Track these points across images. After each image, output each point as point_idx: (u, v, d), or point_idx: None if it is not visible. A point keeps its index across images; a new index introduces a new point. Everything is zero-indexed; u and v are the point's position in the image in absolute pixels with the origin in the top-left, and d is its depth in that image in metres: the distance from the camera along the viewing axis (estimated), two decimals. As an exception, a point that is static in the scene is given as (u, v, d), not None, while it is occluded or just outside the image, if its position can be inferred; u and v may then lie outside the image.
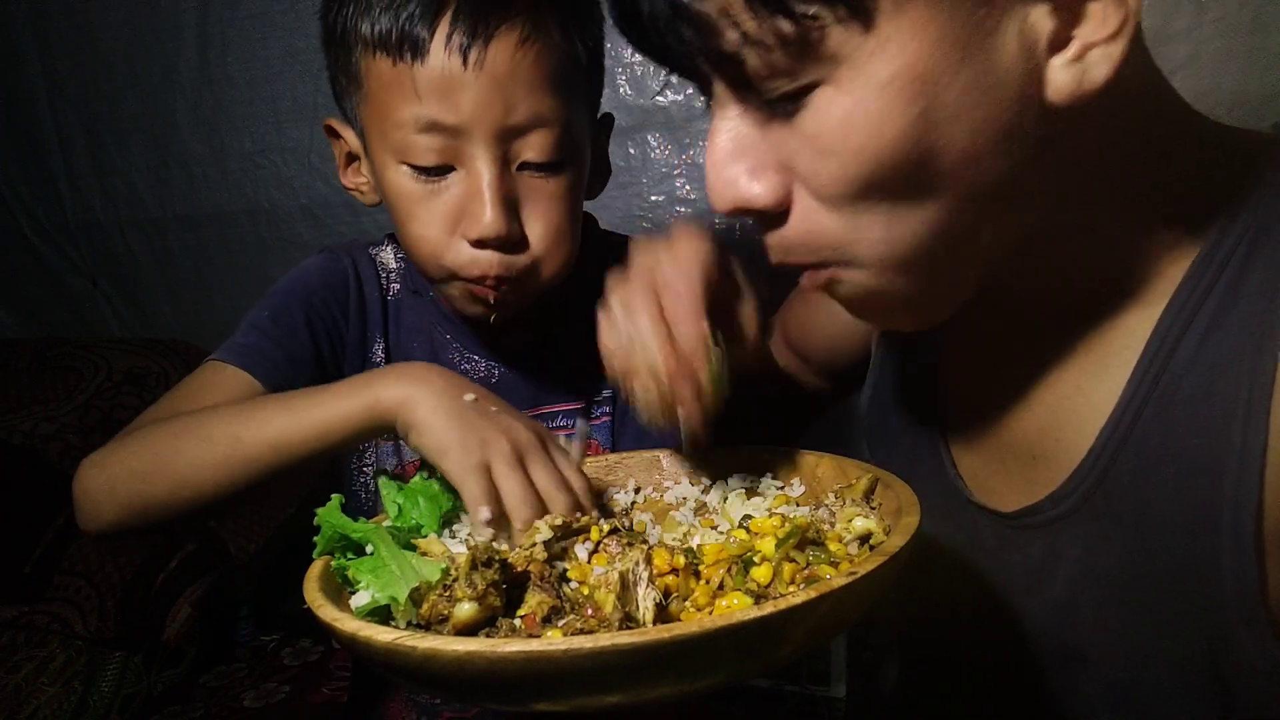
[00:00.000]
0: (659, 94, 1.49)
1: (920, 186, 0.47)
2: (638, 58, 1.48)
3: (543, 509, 0.58)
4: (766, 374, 0.91)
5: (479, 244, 0.73)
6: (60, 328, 2.13)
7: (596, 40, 0.83)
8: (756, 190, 0.50)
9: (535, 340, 0.89)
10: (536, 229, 0.76)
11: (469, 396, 0.62)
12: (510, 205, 0.73)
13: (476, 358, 0.88)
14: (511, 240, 0.74)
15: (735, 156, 0.51)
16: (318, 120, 1.77)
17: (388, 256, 0.91)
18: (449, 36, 0.69)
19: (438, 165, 0.73)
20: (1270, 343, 0.48)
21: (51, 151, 1.99)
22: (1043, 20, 0.44)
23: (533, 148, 0.73)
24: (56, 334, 2.09)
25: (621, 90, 1.50)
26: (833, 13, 0.43)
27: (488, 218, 0.72)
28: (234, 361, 0.77)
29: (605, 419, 0.89)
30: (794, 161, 0.49)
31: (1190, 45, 1.19)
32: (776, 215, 0.51)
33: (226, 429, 0.67)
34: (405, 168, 0.74)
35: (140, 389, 1.86)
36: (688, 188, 1.51)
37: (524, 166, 0.74)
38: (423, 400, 0.61)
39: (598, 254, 0.94)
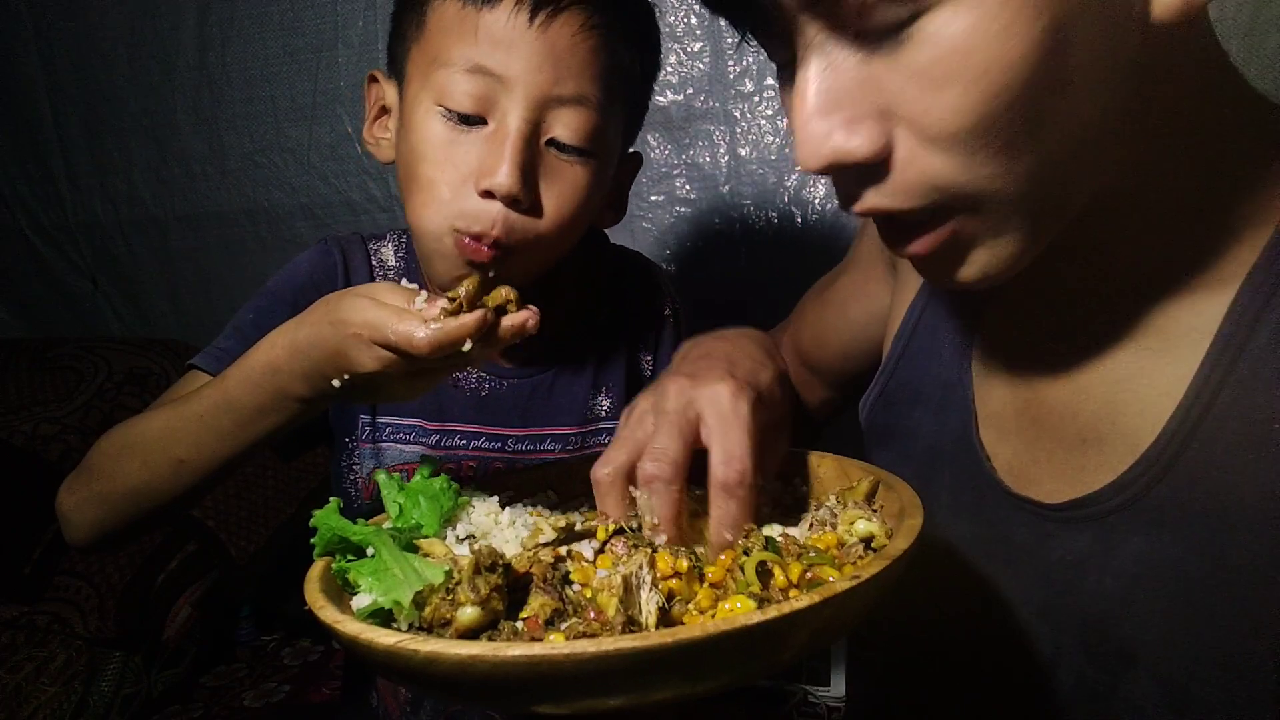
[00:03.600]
0: (659, 94, 1.49)
1: (1038, 113, 0.44)
2: (638, 58, 1.48)
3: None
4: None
5: (487, 195, 0.73)
6: (60, 328, 2.13)
7: (649, 68, 0.83)
8: (856, 142, 0.46)
9: (531, 356, 0.88)
10: (549, 203, 0.76)
11: (335, 383, 0.61)
12: (529, 171, 0.74)
13: (469, 368, 0.87)
14: (520, 204, 0.74)
15: (829, 108, 0.47)
16: (317, 120, 1.78)
17: (387, 252, 0.90)
18: None
19: (471, 114, 0.73)
20: None
21: (51, 151, 1.99)
22: None
23: (565, 125, 0.74)
24: (56, 334, 2.09)
25: (622, 91, 1.50)
26: None
27: (504, 171, 0.72)
28: (210, 369, 0.78)
29: (606, 440, 0.88)
30: (898, 102, 0.45)
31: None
32: (874, 167, 0.47)
33: (163, 451, 0.69)
34: (439, 110, 0.74)
35: (140, 389, 1.86)
36: (688, 188, 1.51)
37: (551, 143, 0.75)
38: (321, 395, 0.62)
39: (605, 271, 0.94)
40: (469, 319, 0.55)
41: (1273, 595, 0.49)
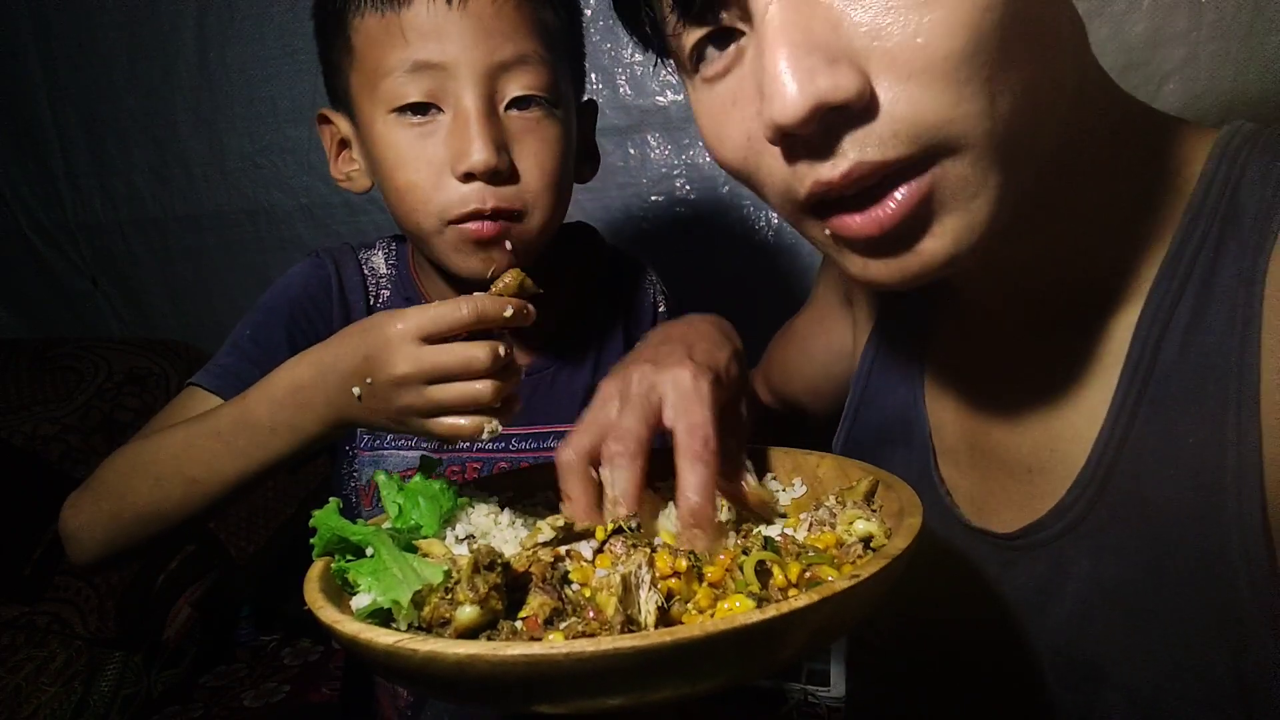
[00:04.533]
0: (659, 94, 1.49)
1: (1021, 41, 0.43)
2: (638, 57, 1.48)
3: (488, 384, 0.58)
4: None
5: (468, 178, 0.74)
6: (60, 328, 2.13)
7: (573, 13, 0.84)
8: (841, 80, 0.43)
9: (533, 353, 0.88)
10: (527, 163, 0.76)
11: (355, 391, 0.61)
12: (499, 140, 0.74)
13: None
14: (501, 173, 0.75)
15: (809, 48, 0.44)
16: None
17: (378, 261, 0.91)
18: None
19: (425, 102, 0.74)
20: (1252, 332, 0.48)
21: (51, 151, 1.99)
22: None
23: (519, 83, 0.75)
24: (56, 334, 2.09)
25: (621, 90, 1.50)
26: None
27: (476, 149, 0.73)
28: (211, 387, 0.78)
29: None
30: (880, 38, 0.43)
31: (1187, 48, 1.19)
32: (858, 114, 0.44)
33: (176, 470, 0.69)
34: (394, 116, 0.75)
35: (140, 389, 1.86)
36: (688, 188, 1.51)
37: (511, 105, 0.76)
38: (341, 416, 0.63)
39: (603, 271, 0.94)
40: (513, 300, 0.59)
41: (1215, 603, 0.50)
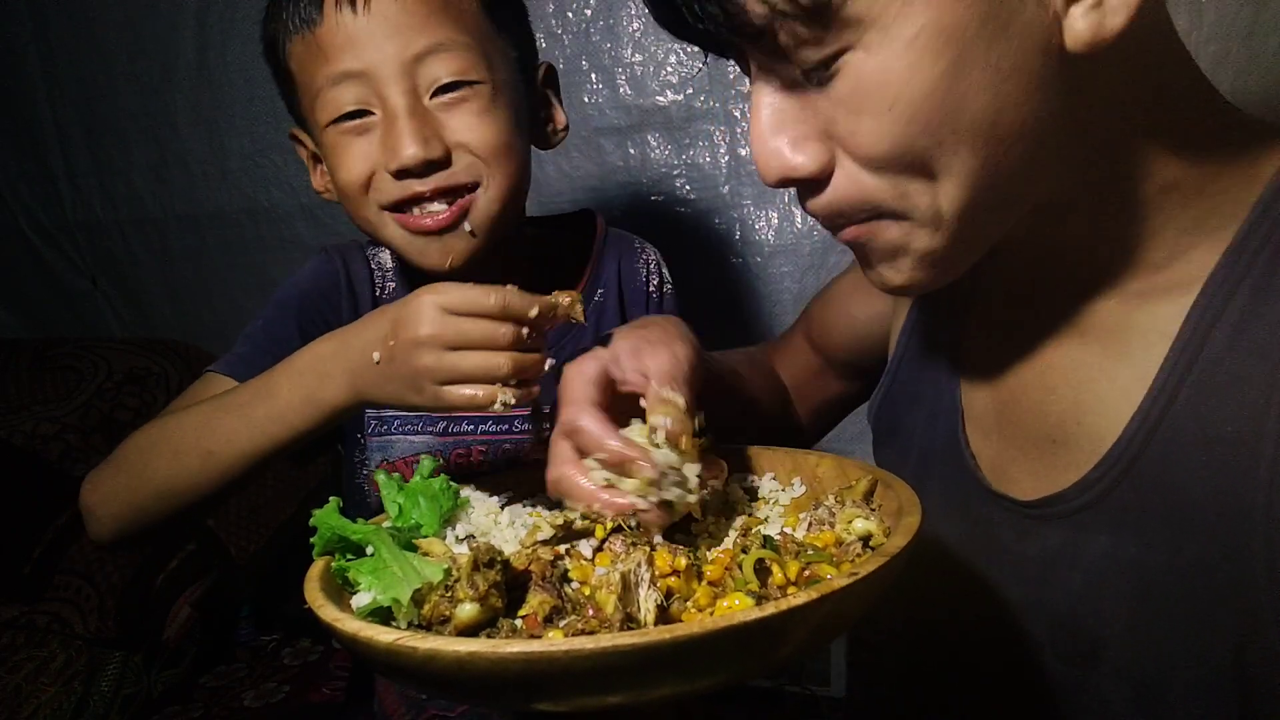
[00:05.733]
0: (659, 94, 1.49)
1: (957, 140, 0.48)
2: (638, 57, 1.48)
3: (507, 357, 0.60)
4: None
5: (402, 174, 0.76)
6: (60, 328, 2.13)
7: None
8: (800, 160, 0.52)
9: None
10: (471, 138, 0.78)
11: (375, 355, 0.63)
12: (428, 133, 0.76)
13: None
14: (435, 163, 0.76)
15: (777, 129, 0.53)
16: (318, 120, 1.78)
17: (386, 257, 0.92)
18: None
19: (354, 110, 0.77)
20: None
21: (51, 151, 1.99)
22: None
23: (440, 70, 0.77)
24: (56, 334, 2.09)
25: (621, 90, 1.50)
26: None
27: (405, 145, 0.75)
28: (227, 373, 0.80)
29: None
30: (833, 128, 0.51)
31: (1187, 48, 1.19)
32: (821, 181, 0.53)
33: (195, 443, 0.70)
34: (333, 127, 0.78)
35: (140, 389, 1.86)
36: (688, 188, 1.51)
37: (438, 92, 0.77)
38: (357, 387, 0.65)
39: (605, 251, 0.95)
40: (541, 299, 0.62)
41: (1227, 593, 0.51)
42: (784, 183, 0.54)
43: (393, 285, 0.90)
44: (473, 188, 0.79)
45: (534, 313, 0.61)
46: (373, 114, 0.77)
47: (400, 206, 0.79)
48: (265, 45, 0.84)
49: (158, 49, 1.82)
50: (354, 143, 0.78)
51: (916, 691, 0.74)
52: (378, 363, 0.63)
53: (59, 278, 2.09)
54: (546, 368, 0.64)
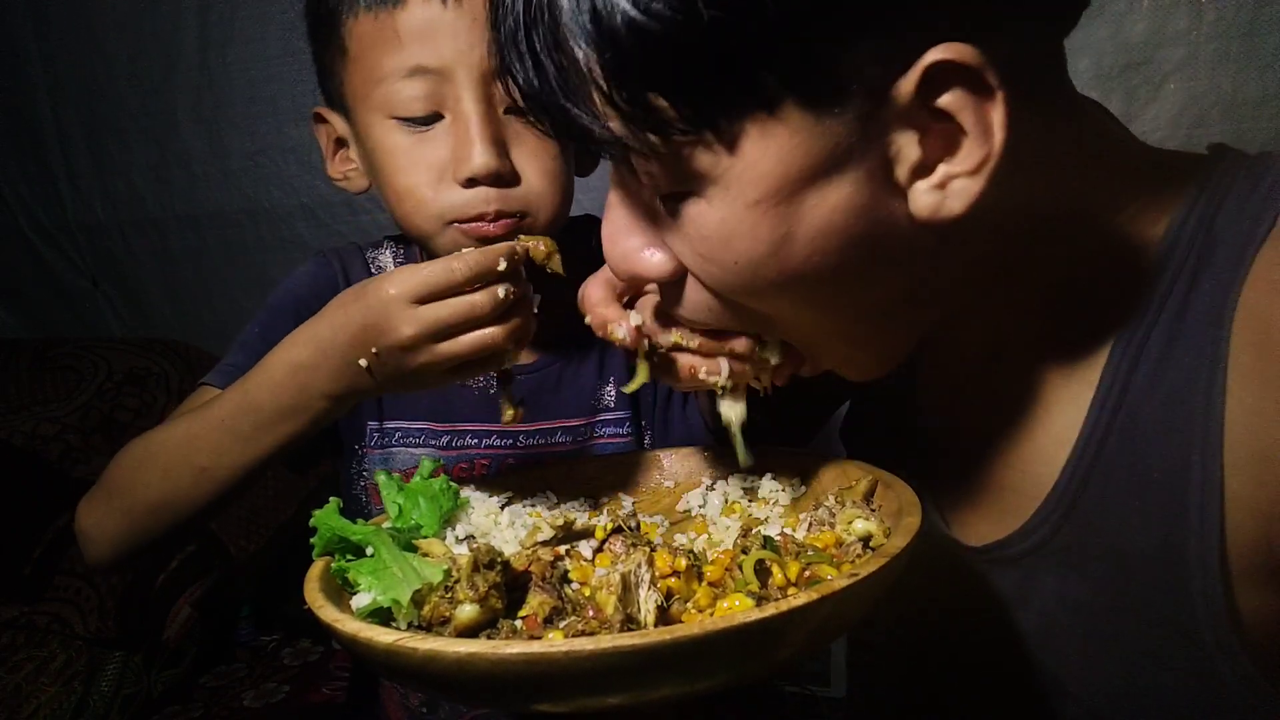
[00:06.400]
0: (659, 94, 1.49)
1: (809, 290, 0.49)
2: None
3: (499, 328, 0.59)
4: None
5: (470, 183, 0.73)
6: (60, 328, 2.13)
7: None
8: (652, 265, 0.53)
9: (539, 349, 0.88)
10: (529, 167, 0.76)
11: (362, 363, 0.61)
12: (499, 144, 0.74)
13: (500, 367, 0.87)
14: (504, 177, 0.74)
15: (629, 231, 0.53)
16: (318, 120, 1.78)
17: (385, 259, 0.90)
18: None
19: (425, 114, 0.74)
20: (1219, 373, 0.48)
21: (51, 151, 1.99)
22: (910, 147, 0.44)
23: None
24: (56, 334, 2.09)
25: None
26: (698, 135, 0.44)
27: (478, 154, 0.72)
28: (219, 385, 0.77)
29: (615, 439, 0.87)
30: (680, 253, 0.51)
31: (1187, 47, 1.19)
32: (673, 284, 0.53)
33: (184, 460, 0.68)
34: (393, 122, 0.74)
35: (140, 389, 1.86)
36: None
37: (511, 110, 0.75)
38: (350, 389, 0.63)
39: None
40: (500, 246, 0.59)
41: (1173, 630, 0.51)
42: (634, 281, 0.55)
43: None
44: (524, 216, 0.76)
45: (503, 266, 0.58)
46: (443, 117, 0.74)
47: (463, 220, 0.76)
48: (317, 14, 0.78)
49: (158, 49, 1.82)
50: (418, 147, 0.75)
51: (916, 691, 0.74)
52: (367, 368, 0.61)
53: (59, 278, 2.09)
54: (535, 308, 0.62)
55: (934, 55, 0.41)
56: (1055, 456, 0.56)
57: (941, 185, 0.45)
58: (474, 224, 0.75)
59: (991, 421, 0.61)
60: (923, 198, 0.45)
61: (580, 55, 0.44)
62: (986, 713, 0.66)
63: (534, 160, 0.76)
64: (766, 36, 0.41)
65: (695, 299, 0.53)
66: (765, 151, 0.44)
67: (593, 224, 0.97)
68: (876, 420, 0.76)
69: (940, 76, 0.42)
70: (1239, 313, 0.48)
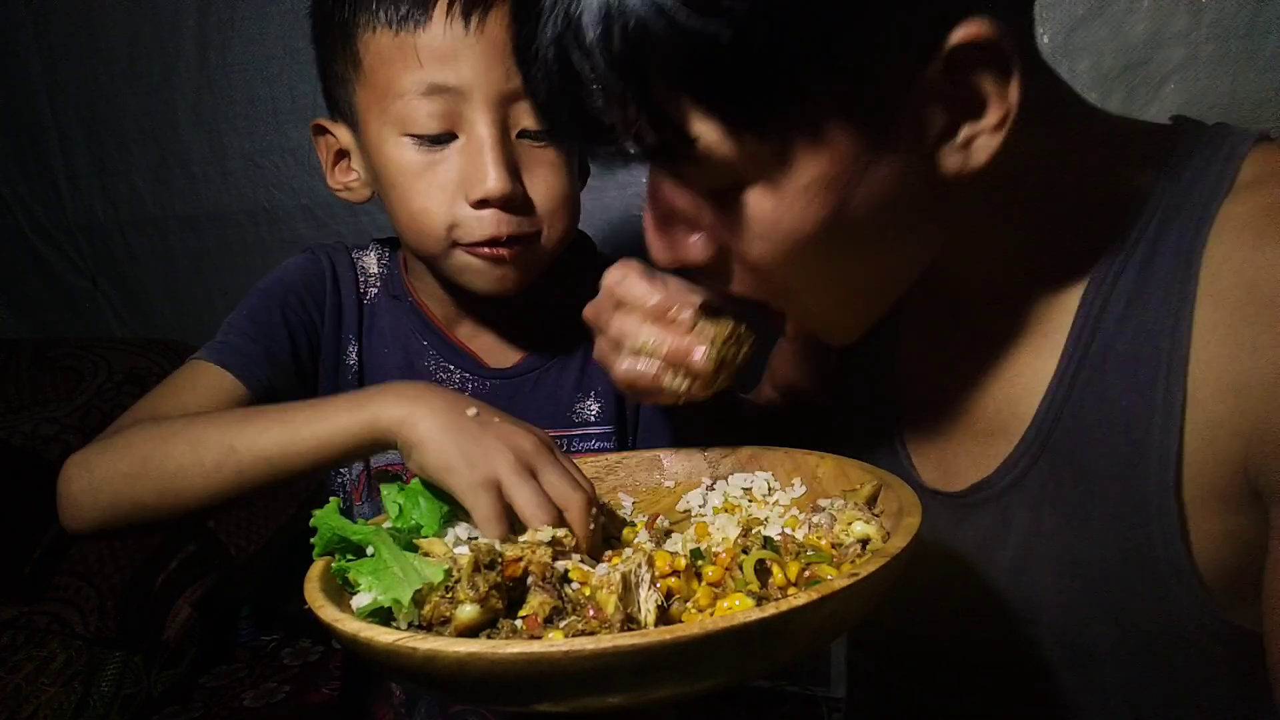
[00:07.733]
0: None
1: (842, 256, 0.54)
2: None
3: (557, 514, 0.56)
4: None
5: (482, 204, 0.74)
6: (60, 328, 2.13)
7: None
8: (695, 252, 0.57)
9: (525, 352, 0.88)
10: (539, 191, 0.77)
11: (470, 411, 0.60)
12: (512, 168, 0.74)
13: (452, 368, 0.86)
14: (515, 200, 0.75)
15: (672, 219, 0.56)
16: (318, 121, 1.78)
17: (369, 261, 0.91)
18: (450, 3, 0.72)
19: (439, 133, 0.74)
20: (1186, 309, 0.52)
21: (51, 151, 1.98)
22: (937, 115, 0.49)
23: (531, 115, 0.74)
24: (56, 334, 2.09)
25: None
26: (754, 134, 0.48)
27: (491, 177, 0.73)
28: (213, 359, 0.77)
29: (594, 445, 0.87)
30: (726, 236, 0.54)
31: (1187, 47, 1.19)
32: (713, 267, 0.58)
33: (220, 437, 0.66)
34: (406, 140, 0.75)
35: (141, 389, 1.86)
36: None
37: (523, 135, 0.75)
38: (423, 418, 0.60)
39: (591, 276, 0.94)
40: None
41: (1136, 556, 0.56)
42: (677, 267, 0.59)
43: (375, 290, 0.89)
44: (534, 238, 0.77)
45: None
46: (456, 137, 0.75)
47: (474, 242, 0.76)
48: (328, 24, 0.78)
49: (158, 50, 1.82)
50: (431, 166, 0.75)
51: (916, 691, 0.74)
52: (474, 415, 0.60)
53: (59, 278, 2.09)
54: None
55: (959, 35, 0.46)
56: (1033, 395, 0.60)
57: (965, 144, 0.50)
58: (485, 248, 0.76)
59: (971, 366, 0.65)
60: (948, 158, 0.51)
61: (627, 68, 0.47)
62: (955, 665, 0.69)
63: (544, 187, 0.77)
64: (810, 46, 0.45)
65: (737, 282, 0.58)
66: (814, 143, 0.48)
67: (584, 239, 0.98)
68: (857, 376, 0.78)
69: (964, 52, 0.47)
70: (1207, 257, 0.52)
